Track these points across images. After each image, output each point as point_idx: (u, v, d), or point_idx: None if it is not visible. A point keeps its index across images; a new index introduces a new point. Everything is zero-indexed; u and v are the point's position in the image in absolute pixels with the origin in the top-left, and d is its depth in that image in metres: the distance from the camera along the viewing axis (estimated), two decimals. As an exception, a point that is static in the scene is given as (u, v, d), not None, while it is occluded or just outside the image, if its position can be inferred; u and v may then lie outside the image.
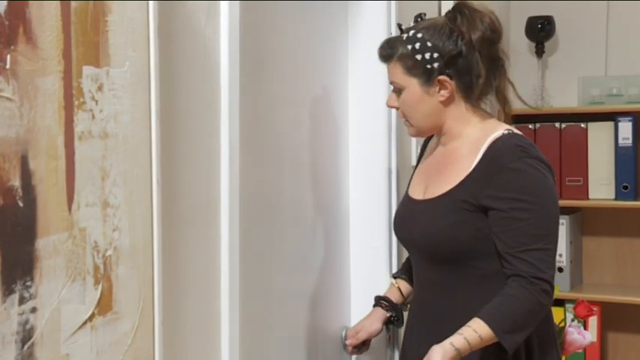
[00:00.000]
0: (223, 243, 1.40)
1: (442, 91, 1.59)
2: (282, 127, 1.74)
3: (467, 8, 1.59)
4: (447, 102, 1.60)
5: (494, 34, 1.61)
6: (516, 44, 3.50)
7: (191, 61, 1.33)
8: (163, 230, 1.21)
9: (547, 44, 3.38)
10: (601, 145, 3.11)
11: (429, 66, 1.58)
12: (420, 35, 1.59)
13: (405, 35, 1.61)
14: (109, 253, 1.11)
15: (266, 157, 1.67)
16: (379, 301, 1.85)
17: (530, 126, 3.22)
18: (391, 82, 1.64)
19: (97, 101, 1.08)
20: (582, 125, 3.13)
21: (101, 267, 1.09)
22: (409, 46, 1.59)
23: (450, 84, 1.58)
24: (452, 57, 1.57)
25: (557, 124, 3.17)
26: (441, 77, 1.58)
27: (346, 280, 2.06)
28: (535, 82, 3.39)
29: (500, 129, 1.61)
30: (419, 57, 1.58)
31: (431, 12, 2.39)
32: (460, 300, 1.56)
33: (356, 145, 2.04)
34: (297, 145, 1.82)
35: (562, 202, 3.13)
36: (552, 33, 3.35)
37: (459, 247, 1.55)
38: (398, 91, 1.63)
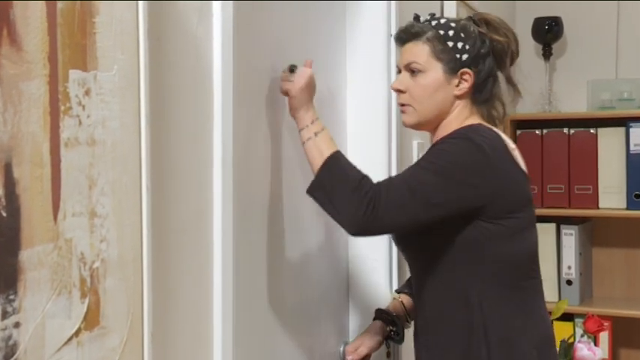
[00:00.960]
0: (216, 254, 1.41)
1: (462, 84, 1.65)
2: (278, 132, 1.74)
3: (492, 19, 1.71)
4: (461, 97, 1.66)
5: (517, 50, 1.73)
6: (522, 46, 3.51)
7: (182, 64, 1.34)
8: (153, 241, 1.21)
9: (555, 46, 3.40)
10: (611, 152, 3.12)
11: (458, 55, 1.64)
12: (453, 25, 1.67)
13: (433, 21, 1.67)
14: (96, 265, 1.11)
15: (261, 164, 1.68)
16: (380, 314, 1.86)
17: (537, 132, 3.23)
18: (409, 64, 1.66)
19: (84, 106, 1.08)
20: (592, 131, 3.14)
21: (88, 280, 1.10)
22: (441, 31, 1.65)
23: (472, 79, 1.65)
24: (481, 55, 1.66)
25: (565, 130, 3.18)
26: (466, 70, 1.64)
27: (345, 293, 2.06)
28: (542, 86, 3.41)
29: (470, 124, 1.65)
30: (450, 44, 1.64)
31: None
32: (438, 311, 1.59)
33: (355, 150, 2.05)
34: (294, 151, 1.83)
35: (571, 212, 3.16)
36: (560, 34, 3.37)
37: (421, 249, 1.61)
38: (413, 72, 1.65)
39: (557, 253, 3.18)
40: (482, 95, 1.68)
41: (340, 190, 1.47)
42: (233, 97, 1.44)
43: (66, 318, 1.06)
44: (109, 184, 1.13)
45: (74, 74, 1.07)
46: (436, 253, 1.59)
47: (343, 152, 2.00)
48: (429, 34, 1.65)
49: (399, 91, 1.69)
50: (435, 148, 1.58)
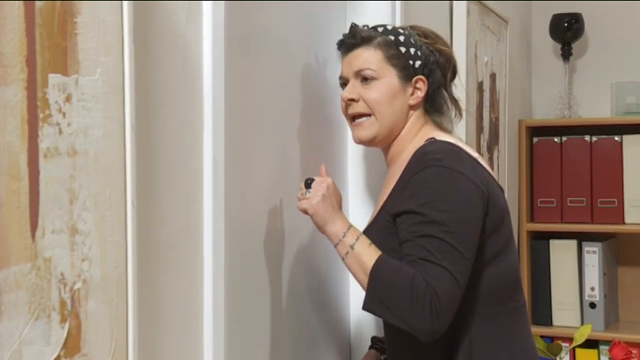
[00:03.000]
0: (207, 273, 1.42)
1: (416, 93, 1.71)
2: (274, 141, 1.76)
3: (429, 31, 1.79)
4: (415, 107, 1.72)
5: (456, 65, 1.81)
6: (539, 46, 3.55)
7: (171, 68, 1.35)
8: (139, 260, 1.23)
9: (575, 45, 3.42)
10: (638, 161, 3.14)
11: (411, 62, 1.71)
12: (401, 31, 1.74)
13: (379, 28, 1.74)
14: (77, 286, 1.13)
15: (255, 176, 1.69)
16: (375, 342, 1.92)
17: (555, 139, 3.25)
18: (361, 71, 1.70)
19: (64, 114, 1.10)
20: (616, 138, 3.16)
21: (68, 302, 1.11)
22: (392, 37, 1.71)
23: (425, 86, 1.71)
24: (432, 62, 1.73)
25: (587, 137, 3.20)
26: (420, 77, 1.71)
27: (345, 317, 2.08)
28: (561, 89, 3.43)
29: (425, 138, 1.68)
30: (403, 49, 1.71)
31: (441, 13, 2.44)
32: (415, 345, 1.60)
33: (355, 152, 2.07)
34: (291, 162, 1.85)
35: (594, 227, 3.18)
36: (581, 32, 3.39)
37: None
38: (365, 80, 1.69)
39: (578, 274, 3.19)
40: (434, 105, 1.75)
41: (399, 306, 1.47)
42: (225, 104, 1.46)
43: (44, 344, 1.07)
44: (92, 198, 1.15)
45: (54, 79, 1.08)
46: None
47: (344, 154, 2.06)
48: (379, 39, 1.70)
49: (351, 101, 1.71)
50: (422, 202, 1.54)
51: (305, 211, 1.61)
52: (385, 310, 1.50)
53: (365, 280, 1.52)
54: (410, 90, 1.71)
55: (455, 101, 1.81)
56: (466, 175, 1.56)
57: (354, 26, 1.75)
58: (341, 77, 1.76)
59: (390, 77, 1.69)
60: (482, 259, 1.59)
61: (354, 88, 1.71)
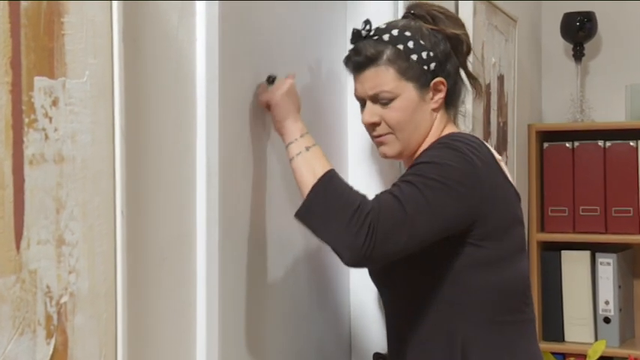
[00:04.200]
0: (200, 286, 1.43)
1: (437, 96, 1.70)
2: (270, 147, 1.77)
3: (436, 10, 1.74)
4: (438, 108, 1.72)
5: (468, 37, 1.78)
6: (550, 46, 3.56)
7: (162, 70, 1.36)
8: (129, 272, 1.23)
9: (587, 45, 3.43)
10: (654, 168, 3.14)
11: (425, 67, 1.68)
12: (407, 33, 1.69)
13: (384, 35, 1.69)
14: (64, 299, 1.13)
15: (250, 183, 1.70)
16: (377, 359, 1.94)
17: (567, 145, 3.26)
18: (377, 95, 1.68)
19: (51, 118, 1.11)
20: (631, 144, 3.17)
21: (55, 317, 1.12)
22: (400, 46, 1.67)
23: (445, 85, 1.71)
24: (445, 55, 1.71)
25: (600, 143, 3.21)
26: (438, 79, 1.69)
27: (346, 332, 2.08)
28: (573, 92, 3.44)
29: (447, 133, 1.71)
30: (415, 57, 1.67)
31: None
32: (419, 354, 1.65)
33: (357, 154, 2.07)
34: (288, 168, 1.85)
35: (608, 238, 3.19)
36: (593, 32, 3.40)
37: (406, 284, 1.66)
38: (384, 102, 1.68)
39: (592, 286, 3.19)
40: (454, 98, 1.75)
41: (338, 215, 1.47)
42: (219, 108, 1.47)
43: (30, 360, 1.08)
44: (79, 207, 1.15)
45: (40, 82, 1.09)
46: (420, 288, 1.63)
47: (344, 157, 2.06)
48: (388, 52, 1.67)
49: (372, 125, 1.71)
50: (419, 162, 1.59)
51: (266, 104, 1.64)
52: (319, 219, 1.50)
53: (312, 181, 1.52)
54: (430, 95, 1.70)
55: (473, 78, 1.81)
56: (475, 163, 1.57)
57: (356, 34, 1.71)
58: (356, 97, 1.75)
59: (407, 92, 1.67)
60: (492, 264, 1.60)
61: (374, 110, 1.69)
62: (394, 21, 1.78)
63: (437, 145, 1.63)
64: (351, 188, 1.53)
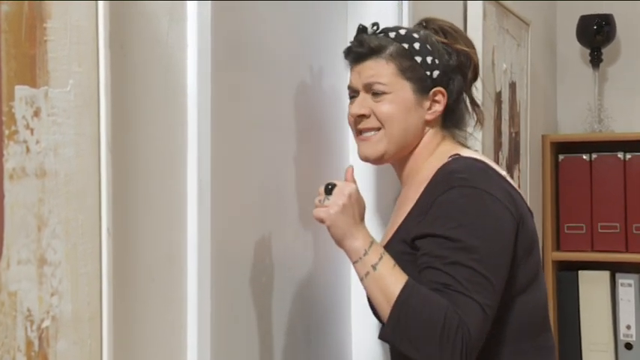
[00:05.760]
0: (191, 310, 1.43)
1: (434, 107, 1.73)
2: (266, 161, 1.78)
3: (448, 26, 1.79)
4: (432, 122, 1.74)
5: (478, 63, 1.81)
6: (565, 51, 3.58)
7: (151, 78, 1.37)
8: (115, 294, 1.24)
9: (605, 50, 3.45)
10: (678, 182, 3.15)
11: (428, 72, 1.71)
12: (415, 36, 1.73)
13: (391, 33, 1.73)
14: (45, 323, 1.13)
15: (245, 200, 1.71)
16: None
17: (584, 157, 3.27)
18: (370, 84, 1.71)
19: (32, 130, 1.11)
20: (653, 155, 3.18)
21: (35, 342, 1.12)
22: (405, 45, 1.71)
23: (445, 98, 1.73)
24: (451, 69, 1.74)
25: (619, 155, 3.22)
26: (438, 89, 1.71)
27: (348, 359, 2.09)
28: (590, 100, 3.45)
29: (448, 155, 1.71)
30: (419, 59, 1.71)
31: (454, 15, 2.47)
32: None
33: (358, 181, 2.08)
34: (285, 184, 1.86)
35: (629, 257, 3.19)
36: (612, 36, 3.41)
37: None
38: (376, 95, 1.70)
39: (612, 309, 3.20)
40: (454, 117, 1.77)
41: (426, 339, 1.48)
42: (211, 118, 1.48)
43: (9, 389, 1.08)
44: (62, 225, 1.16)
45: (21, 91, 1.10)
46: None
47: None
48: (392, 48, 1.71)
49: (361, 117, 1.73)
50: (446, 217, 1.58)
51: (322, 221, 1.60)
52: (408, 343, 1.51)
53: (386, 306, 1.53)
54: (427, 104, 1.72)
55: (476, 106, 1.83)
56: (496, 196, 1.59)
57: (361, 29, 1.76)
58: (349, 88, 1.78)
59: (404, 91, 1.70)
60: (512, 290, 1.61)
61: (365, 102, 1.72)
62: (403, 26, 1.81)
63: (447, 189, 1.60)
64: (428, 300, 1.51)
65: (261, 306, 1.75)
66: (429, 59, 1.71)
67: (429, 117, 1.73)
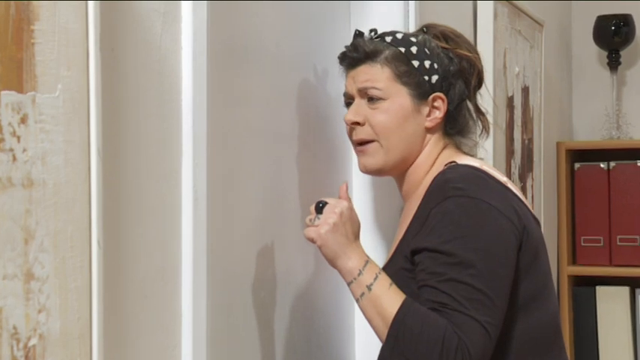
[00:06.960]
0: (186, 327, 1.43)
1: (433, 114, 1.74)
2: (265, 170, 1.78)
3: (450, 31, 1.80)
4: (433, 129, 1.74)
5: (483, 69, 1.81)
6: (581, 53, 3.58)
7: (144, 83, 1.37)
8: (106, 311, 1.24)
9: (624, 53, 3.45)
10: (701, 191, 3.15)
11: (426, 77, 1.72)
12: (413, 39, 1.75)
13: (387, 37, 1.75)
14: (32, 342, 1.14)
15: (243, 211, 1.71)
16: None
17: (601, 165, 3.27)
18: (365, 89, 1.72)
19: (19, 137, 1.11)
20: (674, 164, 3.18)
21: (22, 361, 1.12)
22: (402, 48, 1.73)
23: (445, 104, 1.73)
24: (452, 74, 1.75)
25: (639, 163, 3.22)
26: (437, 94, 1.72)
27: (352, 379, 2.09)
28: (608, 105, 3.45)
29: (444, 163, 1.72)
30: (416, 63, 1.72)
31: (463, 15, 2.47)
32: None
33: (362, 192, 2.08)
34: (285, 194, 1.86)
35: (648, 270, 3.18)
36: (631, 37, 3.42)
37: None
38: (371, 100, 1.71)
39: (632, 326, 3.19)
40: (456, 125, 1.77)
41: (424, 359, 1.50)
42: (207, 125, 1.48)
43: (-6, 411, 1.08)
44: (50, 237, 1.16)
45: (7, 96, 1.10)
46: None
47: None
48: (387, 52, 1.72)
49: (355, 125, 1.73)
50: (441, 229, 1.58)
51: (312, 241, 1.61)
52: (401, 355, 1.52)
53: (383, 327, 1.54)
54: (426, 110, 1.73)
55: (481, 114, 1.83)
56: (495, 206, 1.59)
57: (358, 34, 1.77)
58: (345, 95, 1.79)
59: (400, 97, 1.71)
60: (515, 305, 1.61)
61: (360, 109, 1.73)
62: (401, 31, 1.82)
63: (442, 199, 1.61)
64: (426, 320, 1.52)
65: (260, 324, 1.75)
66: (426, 63, 1.72)
67: (428, 124, 1.73)
